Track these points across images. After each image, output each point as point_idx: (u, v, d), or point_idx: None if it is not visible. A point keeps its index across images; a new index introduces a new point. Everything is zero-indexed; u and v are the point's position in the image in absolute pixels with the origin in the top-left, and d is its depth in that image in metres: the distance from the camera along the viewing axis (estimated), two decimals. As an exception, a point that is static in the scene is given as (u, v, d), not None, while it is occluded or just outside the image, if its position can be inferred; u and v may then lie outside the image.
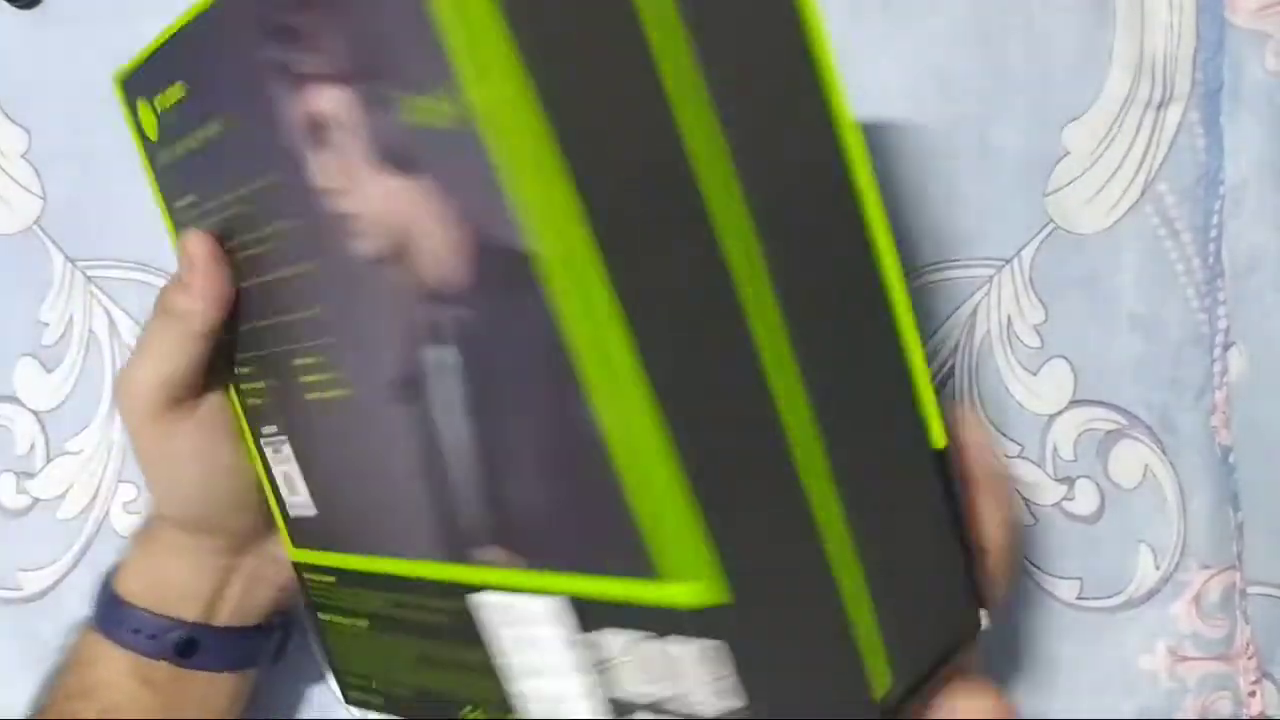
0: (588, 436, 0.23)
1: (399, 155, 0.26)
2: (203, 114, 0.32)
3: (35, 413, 0.47)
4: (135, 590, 0.37)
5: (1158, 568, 0.45)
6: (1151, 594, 0.45)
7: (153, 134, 0.34)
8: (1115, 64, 0.44)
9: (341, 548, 0.35)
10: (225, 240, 0.34)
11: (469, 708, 0.32)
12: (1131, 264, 0.45)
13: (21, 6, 0.46)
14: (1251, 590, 0.45)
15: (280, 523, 0.37)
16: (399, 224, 0.27)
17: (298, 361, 0.33)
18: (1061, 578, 0.45)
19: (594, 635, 0.26)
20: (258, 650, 0.40)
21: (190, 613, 0.37)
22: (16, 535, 0.47)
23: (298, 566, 0.37)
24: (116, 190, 0.46)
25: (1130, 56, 0.44)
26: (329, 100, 0.27)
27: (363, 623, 0.35)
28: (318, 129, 0.28)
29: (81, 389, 0.47)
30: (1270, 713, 0.45)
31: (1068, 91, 0.44)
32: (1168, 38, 0.44)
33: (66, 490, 0.47)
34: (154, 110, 0.34)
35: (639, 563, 0.23)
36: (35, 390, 0.47)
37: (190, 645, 0.37)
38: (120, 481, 0.47)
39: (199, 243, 0.33)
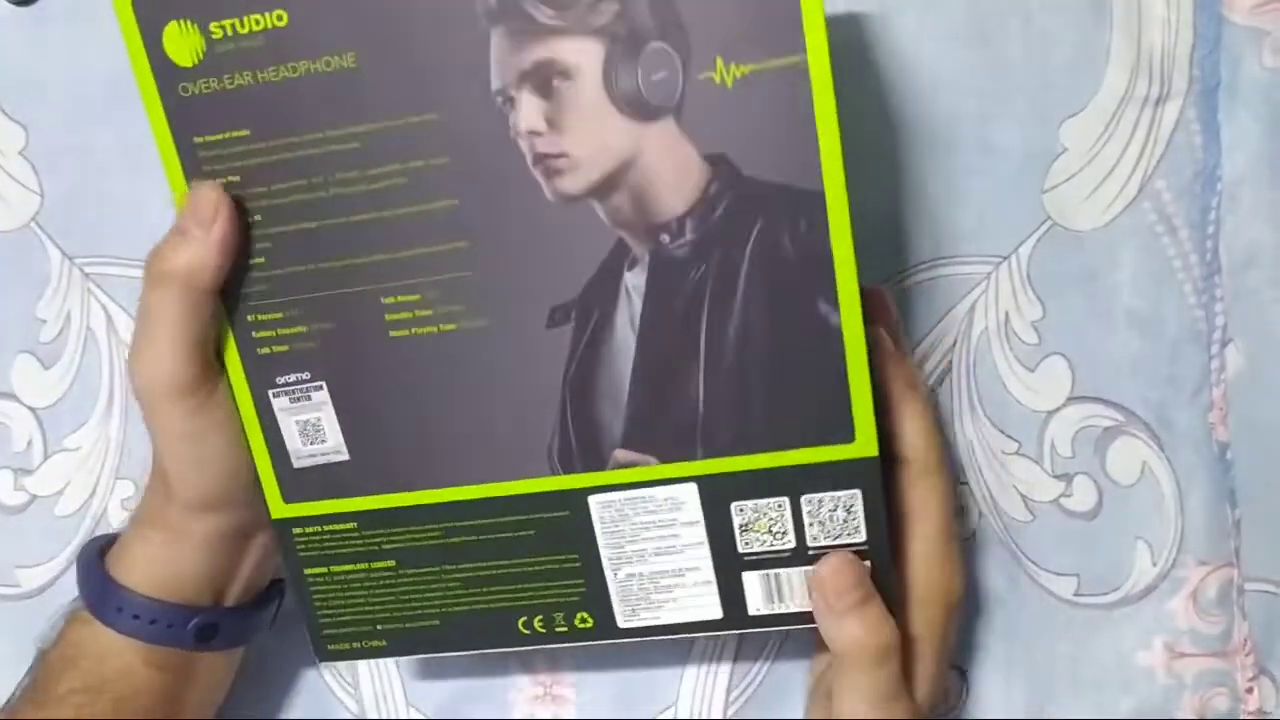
0: (830, 334, 0.33)
1: (641, 103, 0.32)
2: (319, 46, 0.32)
3: (33, 409, 0.47)
4: (144, 581, 0.37)
5: (1155, 564, 0.45)
6: (1149, 590, 0.45)
7: (188, 59, 0.33)
8: (1112, 61, 0.44)
9: (383, 488, 0.37)
10: (283, 180, 0.34)
11: (525, 618, 0.38)
12: (1129, 261, 0.45)
13: (20, 3, 0.46)
14: (1249, 586, 0.45)
15: (271, 479, 0.37)
16: (622, 162, 0.32)
17: (387, 300, 0.34)
18: (1059, 574, 0.46)
19: (731, 506, 0.36)
20: (264, 621, 0.41)
21: (206, 598, 0.38)
22: (14, 532, 0.47)
23: (291, 522, 0.38)
24: (114, 187, 0.46)
25: (1127, 53, 0.44)
26: (574, 51, 0.31)
27: (384, 564, 0.38)
28: (547, 76, 0.32)
29: (79, 386, 0.47)
30: (1268, 709, 0.45)
31: (1065, 88, 0.44)
32: (1165, 34, 0.44)
33: (64, 487, 0.47)
34: (203, 34, 0.33)
35: (843, 432, 0.34)
36: (33, 387, 0.47)
37: (209, 630, 0.38)
38: (118, 478, 0.47)
39: (211, 190, 0.33)
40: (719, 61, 0.31)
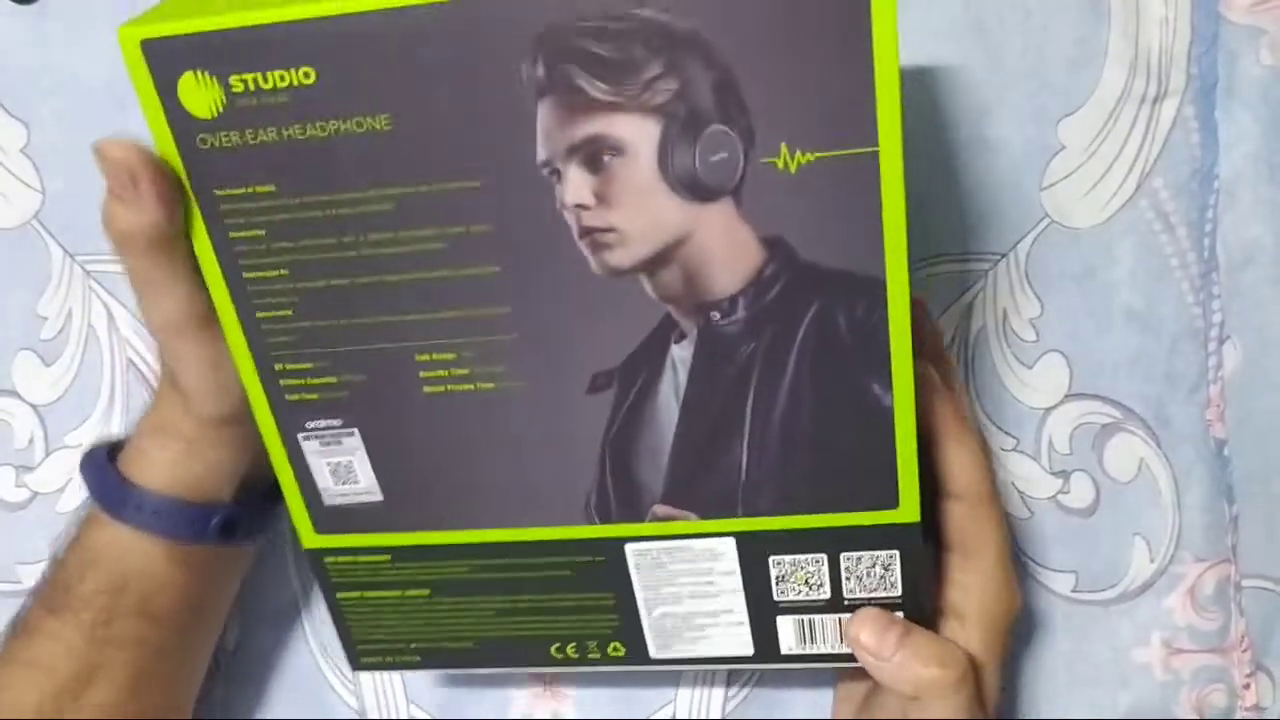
0: (881, 415, 0.33)
1: (697, 184, 0.31)
2: (350, 107, 0.31)
3: (34, 406, 0.47)
4: (165, 483, 0.37)
5: (1152, 561, 0.45)
6: (1146, 587, 0.45)
7: (206, 111, 0.31)
8: (1110, 59, 0.44)
9: (418, 527, 0.37)
10: (311, 237, 0.32)
11: (558, 645, 0.39)
12: (1127, 258, 0.45)
13: (21, 2, 0.46)
14: (1246, 583, 0.45)
15: (302, 513, 0.37)
16: (674, 239, 0.32)
17: (421, 357, 0.34)
18: (1057, 571, 0.46)
19: (769, 559, 0.36)
20: (278, 514, 0.41)
21: (226, 494, 0.39)
22: (15, 528, 0.47)
23: (323, 551, 0.38)
24: (115, 185, 0.46)
25: (1125, 51, 0.44)
26: (627, 128, 0.30)
27: (419, 592, 0.38)
28: (597, 151, 0.30)
29: (80, 383, 0.47)
30: (1265, 705, 0.45)
31: (1063, 86, 0.44)
32: (1163, 32, 0.44)
33: (65, 484, 0.47)
34: (222, 86, 0.31)
35: (887, 499, 0.35)
36: (34, 384, 0.47)
37: (230, 525, 0.39)
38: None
39: (118, 149, 0.31)
40: (784, 148, 0.30)
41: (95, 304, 0.47)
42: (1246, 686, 0.45)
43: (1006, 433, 0.46)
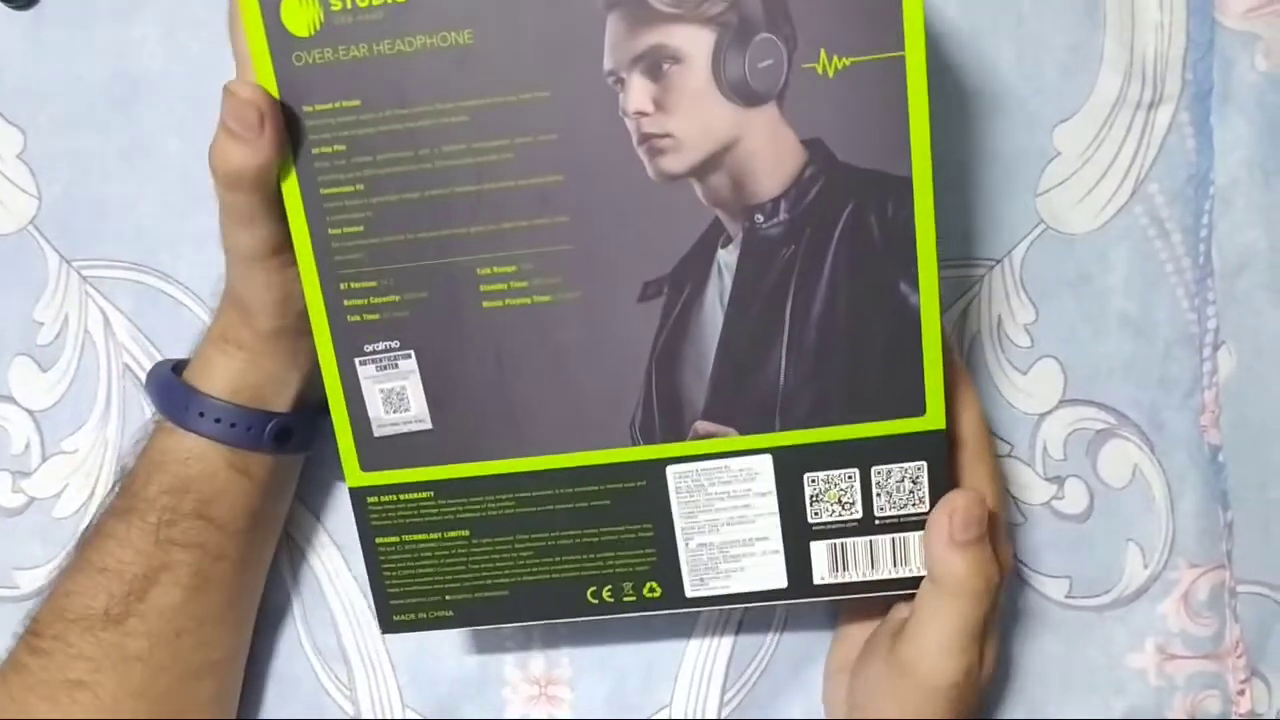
0: (909, 314, 0.35)
1: (746, 89, 0.34)
2: (437, 22, 0.34)
3: (30, 412, 0.48)
4: (224, 389, 0.40)
5: (1146, 566, 0.45)
6: (1140, 592, 0.46)
7: (304, 29, 0.34)
8: (1105, 65, 0.44)
9: (463, 457, 0.38)
10: (389, 150, 0.35)
11: (594, 588, 0.39)
12: (1122, 264, 0.45)
13: (18, 7, 0.47)
14: (1241, 589, 0.45)
15: (350, 447, 0.38)
16: (723, 144, 0.34)
17: (483, 270, 0.36)
18: (1051, 576, 0.46)
19: (804, 477, 0.38)
20: (326, 425, 0.42)
21: (281, 404, 0.41)
22: (12, 534, 0.47)
23: (366, 491, 0.39)
24: (111, 190, 0.47)
25: (1120, 57, 0.44)
26: (685, 38, 0.34)
27: (458, 533, 0.39)
28: (657, 60, 0.34)
29: (77, 388, 0.47)
30: (1260, 711, 0.45)
31: (1058, 92, 0.44)
32: (1158, 38, 0.44)
33: (62, 489, 0.48)
34: (322, 5, 0.34)
35: (915, 405, 0.36)
36: (30, 389, 0.47)
37: (285, 433, 0.41)
38: (115, 480, 0.47)
39: (250, 91, 0.34)
40: (822, 53, 0.34)
41: (92, 309, 0.47)
42: (1241, 692, 0.45)
43: (1001, 438, 0.46)
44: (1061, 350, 0.45)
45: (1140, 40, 0.44)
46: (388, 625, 0.41)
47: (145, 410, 0.47)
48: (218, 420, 0.40)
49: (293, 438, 0.41)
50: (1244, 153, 0.44)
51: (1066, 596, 0.46)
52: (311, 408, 0.42)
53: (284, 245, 0.37)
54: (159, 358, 0.47)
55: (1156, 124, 0.45)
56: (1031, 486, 0.46)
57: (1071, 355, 0.45)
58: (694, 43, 0.34)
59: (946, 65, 0.44)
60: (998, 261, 0.45)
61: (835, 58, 0.34)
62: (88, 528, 0.42)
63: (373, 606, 0.44)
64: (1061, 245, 0.45)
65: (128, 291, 0.47)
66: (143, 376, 0.47)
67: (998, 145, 0.45)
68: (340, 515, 0.47)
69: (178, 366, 0.42)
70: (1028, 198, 0.45)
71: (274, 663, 0.47)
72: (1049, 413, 0.45)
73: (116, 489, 0.41)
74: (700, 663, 0.47)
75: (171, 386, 0.40)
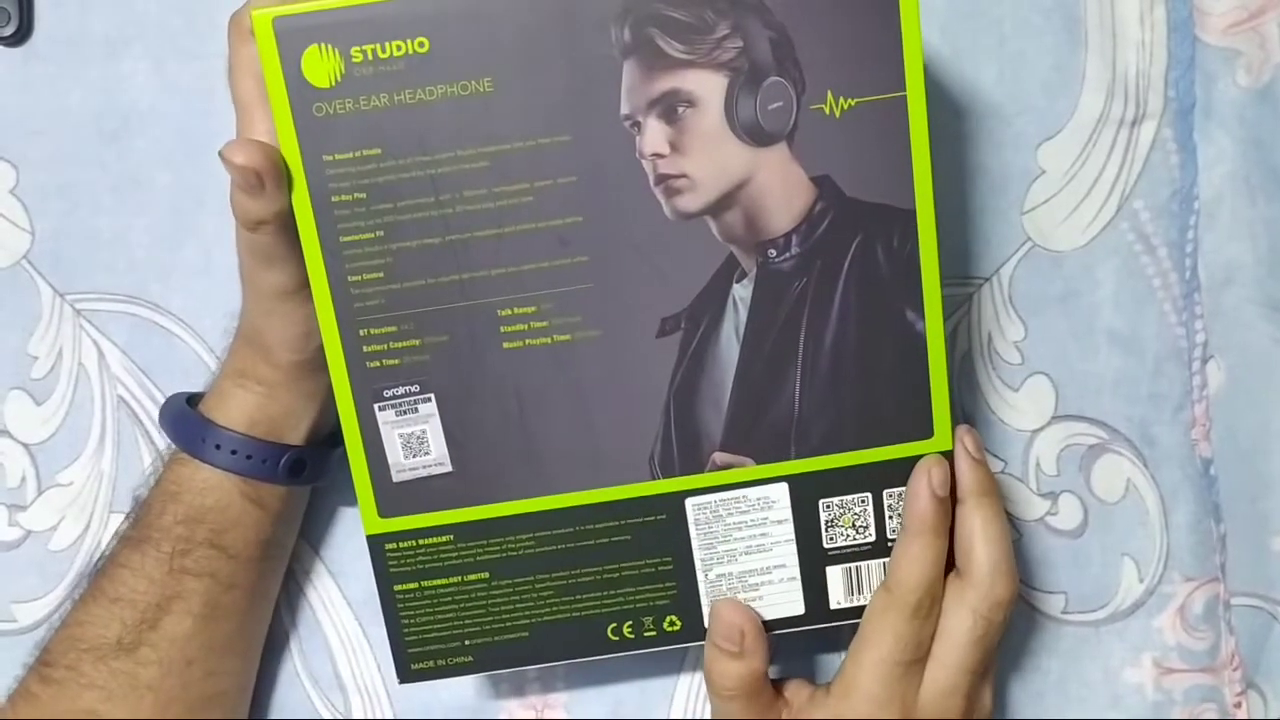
0: (916, 341, 0.37)
1: (758, 130, 0.36)
2: (457, 72, 0.35)
3: (26, 445, 0.48)
4: (241, 422, 0.40)
5: (1142, 580, 0.46)
6: (1136, 607, 0.46)
7: (325, 80, 0.35)
8: (1088, 83, 0.45)
9: (483, 499, 0.39)
10: (409, 196, 0.35)
11: (615, 625, 0.40)
12: (1109, 280, 0.45)
13: (9, 44, 0.47)
14: (1235, 601, 0.45)
15: (369, 494, 0.38)
16: (737, 182, 0.36)
17: (503, 312, 0.37)
18: (1047, 592, 0.46)
19: (819, 503, 0.38)
20: (337, 458, 0.44)
21: (296, 437, 0.42)
22: (9, 568, 0.47)
23: (384, 538, 0.39)
24: (104, 224, 0.47)
25: (1103, 75, 0.45)
26: (699, 82, 0.35)
27: (478, 575, 0.39)
28: (673, 104, 0.35)
29: (72, 421, 0.47)
30: (1257, 723, 0.45)
31: (1042, 111, 0.45)
32: (1140, 56, 0.45)
33: (58, 522, 0.48)
34: (342, 57, 0.35)
35: (924, 428, 0.38)
36: (25, 423, 0.48)
37: (300, 465, 0.42)
38: (111, 512, 0.47)
39: (249, 152, 0.34)
40: (829, 95, 0.35)
41: (85, 342, 0.47)
42: (1238, 705, 0.45)
43: (994, 455, 0.46)
44: (1052, 367, 0.45)
45: (1122, 58, 0.45)
46: (406, 675, 0.40)
47: (140, 442, 0.47)
48: (234, 452, 0.40)
49: (306, 469, 0.42)
50: (1227, 167, 0.44)
51: (1063, 612, 0.46)
52: (324, 440, 0.43)
53: (305, 282, 0.37)
54: (153, 389, 0.47)
55: (1140, 141, 0.45)
56: (1025, 503, 0.46)
57: (1062, 371, 0.45)
58: (707, 87, 0.35)
59: (931, 86, 0.45)
60: (986, 280, 0.45)
61: (841, 99, 0.35)
62: (101, 558, 0.42)
63: (368, 635, 0.44)
64: (1049, 262, 0.45)
65: (121, 324, 0.47)
66: (136, 409, 0.47)
67: (984, 164, 0.45)
68: (335, 543, 0.47)
69: (191, 399, 0.42)
70: (1014, 216, 0.45)
71: (270, 691, 0.47)
72: (1041, 429, 0.46)
73: (130, 519, 0.42)
74: (696, 680, 0.47)
75: (187, 419, 0.41)
